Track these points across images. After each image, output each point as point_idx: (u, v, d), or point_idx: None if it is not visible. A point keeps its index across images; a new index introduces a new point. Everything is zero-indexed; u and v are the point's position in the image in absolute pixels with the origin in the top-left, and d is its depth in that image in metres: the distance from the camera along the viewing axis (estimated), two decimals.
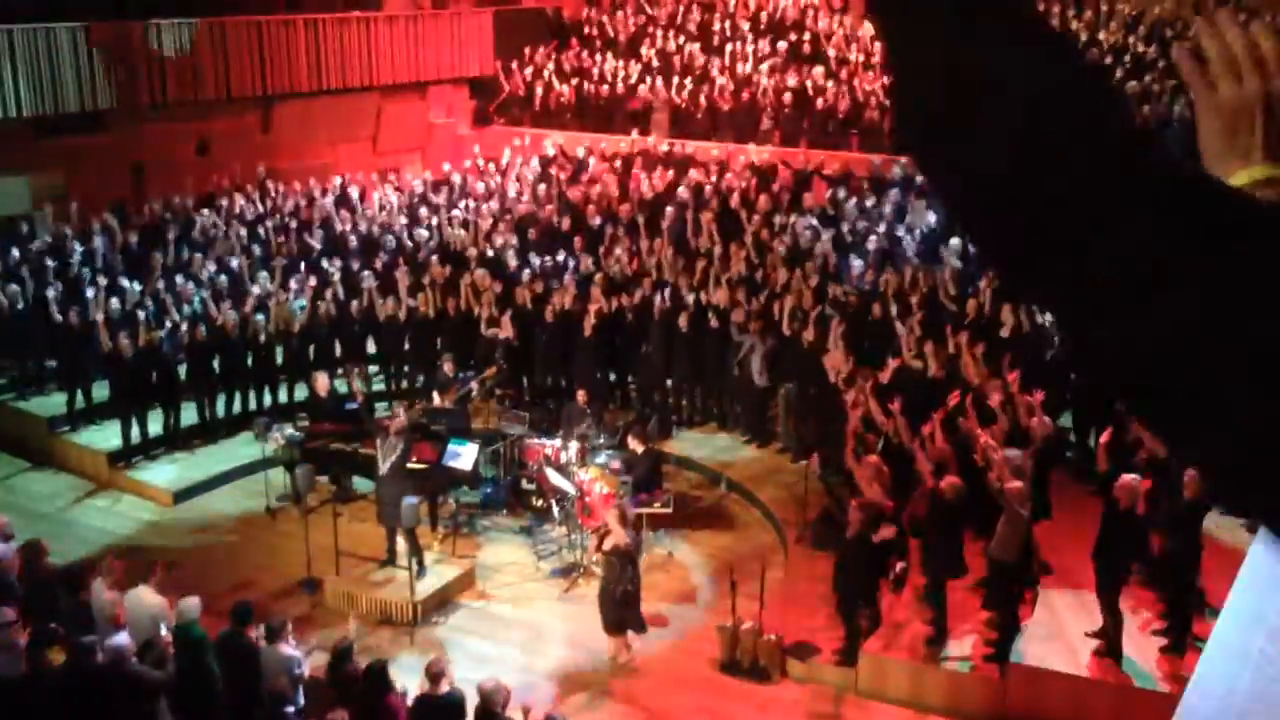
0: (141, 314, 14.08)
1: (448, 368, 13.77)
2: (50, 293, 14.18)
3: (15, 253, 15.24)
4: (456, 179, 19.33)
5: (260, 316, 14.50)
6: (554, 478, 12.11)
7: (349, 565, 11.35)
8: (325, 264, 15.97)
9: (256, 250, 16.31)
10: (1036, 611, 9.89)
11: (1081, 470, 11.99)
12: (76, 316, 13.90)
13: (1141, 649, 9.37)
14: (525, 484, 12.81)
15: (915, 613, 10.11)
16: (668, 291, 14.64)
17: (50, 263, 15.09)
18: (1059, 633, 9.68)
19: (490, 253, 16.39)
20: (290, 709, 7.88)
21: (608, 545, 10.03)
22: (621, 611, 10.04)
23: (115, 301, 14.22)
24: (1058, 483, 11.33)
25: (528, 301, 14.79)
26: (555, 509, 12.30)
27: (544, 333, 14.51)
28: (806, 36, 20.79)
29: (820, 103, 19.01)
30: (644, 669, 10.18)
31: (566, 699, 9.60)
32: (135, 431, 13.77)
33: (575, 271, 15.59)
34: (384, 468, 11.14)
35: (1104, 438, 10.36)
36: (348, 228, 17.05)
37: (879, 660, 9.77)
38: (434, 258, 16.14)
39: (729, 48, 21.02)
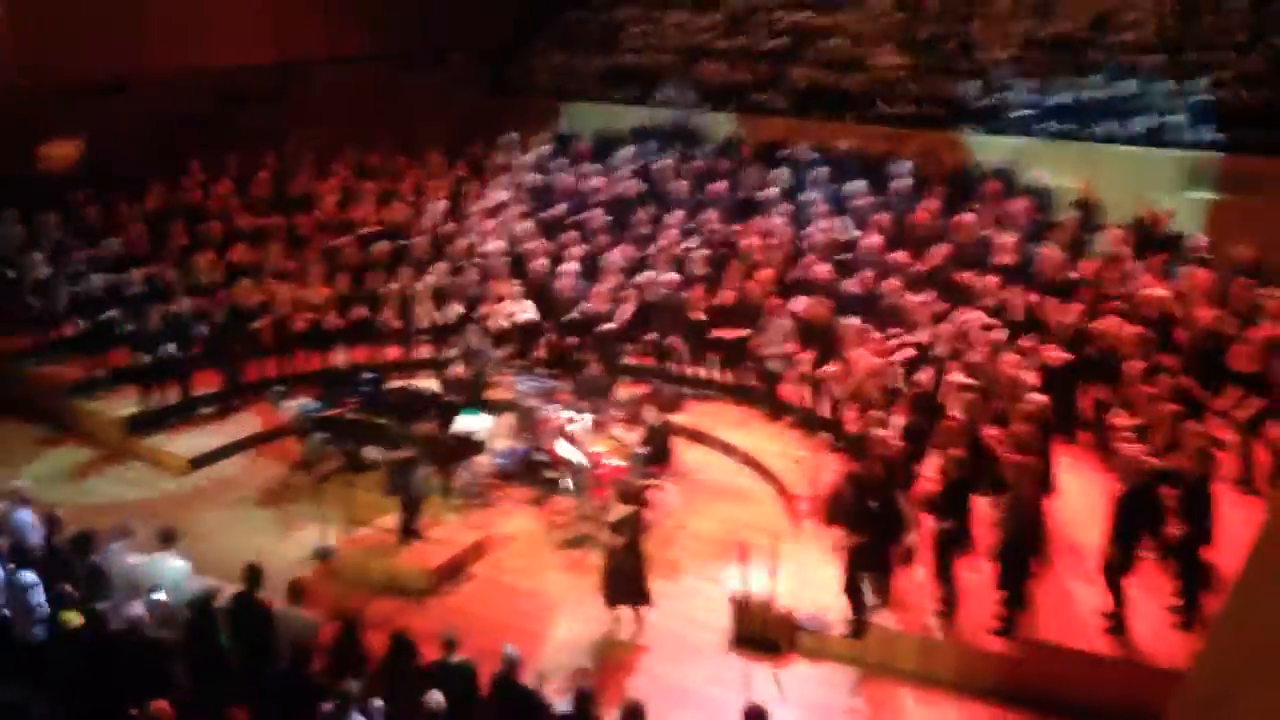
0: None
1: (473, 339, 13.79)
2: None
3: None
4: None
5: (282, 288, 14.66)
6: (564, 450, 12.16)
7: (362, 534, 11.44)
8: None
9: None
10: (1046, 587, 9.91)
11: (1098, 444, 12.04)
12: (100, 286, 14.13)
13: (1153, 625, 9.40)
14: (538, 455, 12.86)
15: (926, 587, 10.15)
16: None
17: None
18: (1069, 608, 9.71)
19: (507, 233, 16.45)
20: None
21: (612, 518, 10.09)
22: (624, 585, 10.12)
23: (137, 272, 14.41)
24: (1076, 456, 11.60)
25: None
26: (568, 481, 12.36)
27: (560, 307, 14.62)
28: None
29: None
30: (655, 641, 10.25)
31: (576, 669, 9.66)
32: (153, 399, 13.87)
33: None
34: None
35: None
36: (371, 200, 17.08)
37: (889, 634, 9.83)
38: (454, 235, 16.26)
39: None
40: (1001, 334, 12.38)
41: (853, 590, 9.93)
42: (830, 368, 12.73)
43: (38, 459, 13.61)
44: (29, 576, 8.45)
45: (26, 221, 15.55)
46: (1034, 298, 13.07)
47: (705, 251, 15.27)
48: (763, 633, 10.11)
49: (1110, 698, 8.95)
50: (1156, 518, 9.60)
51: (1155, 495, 9.40)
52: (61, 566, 8.98)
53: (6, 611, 8.47)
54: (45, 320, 14.91)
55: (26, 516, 9.57)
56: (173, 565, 8.84)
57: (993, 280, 13.45)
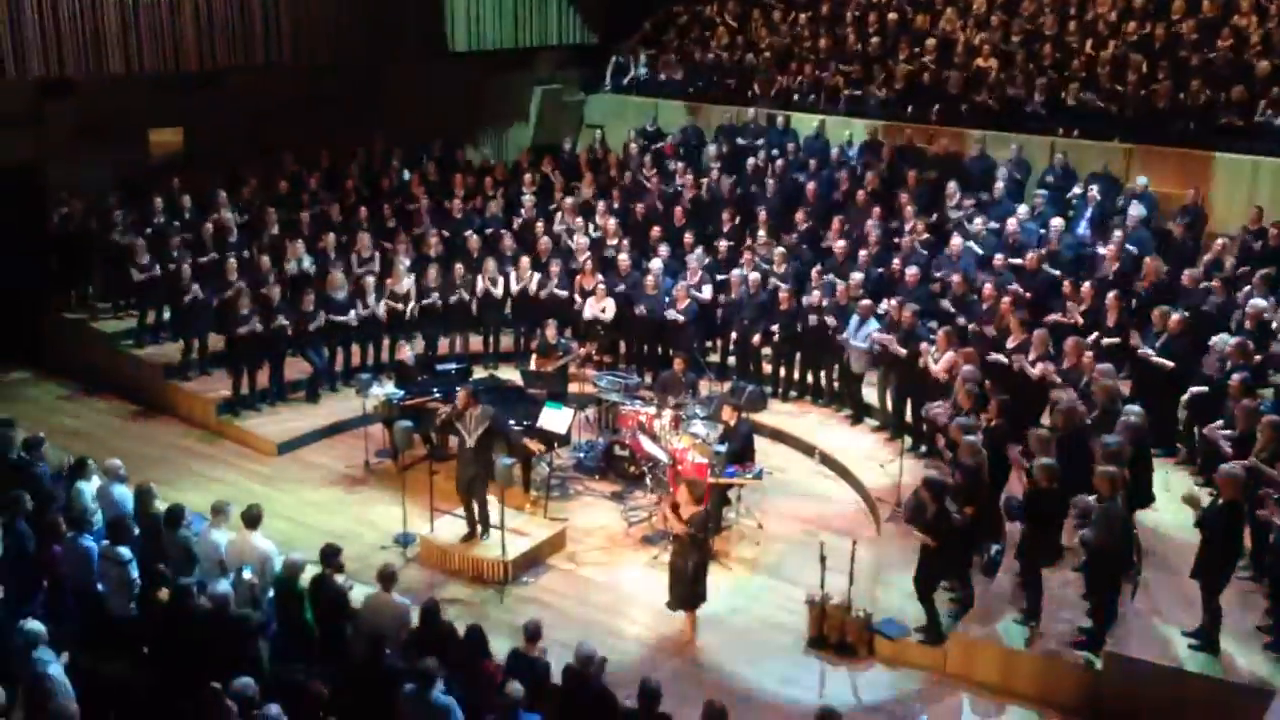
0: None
1: (549, 333, 13.90)
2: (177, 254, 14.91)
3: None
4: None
5: (369, 278, 14.90)
6: (648, 445, 12.16)
7: (443, 522, 11.56)
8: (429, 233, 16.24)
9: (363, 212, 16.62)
10: (1135, 601, 9.67)
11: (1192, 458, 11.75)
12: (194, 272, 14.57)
13: (1242, 643, 9.10)
14: (618, 450, 12.89)
15: (1010, 597, 9.96)
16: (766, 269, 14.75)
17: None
18: (1157, 623, 9.45)
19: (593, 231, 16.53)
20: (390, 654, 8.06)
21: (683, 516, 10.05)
22: (686, 588, 10.08)
23: (233, 258, 14.77)
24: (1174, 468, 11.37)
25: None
26: (647, 476, 12.36)
27: (644, 304, 14.65)
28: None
29: (926, 78, 18.56)
30: (729, 640, 10.20)
31: (650, 664, 9.67)
32: (244, 383, 14.20)
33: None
34: (470, 441, 11.24)
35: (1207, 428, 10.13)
36: (459, 195, 17.27)
37: (969, 643, 9.66)
38: (541, 230, 16.38)
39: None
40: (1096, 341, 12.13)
41: (929, 597, 9.79)
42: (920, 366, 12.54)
43: (133, 437, 13.99)
44: (125, 552, 8.70)
45: (128, 206, 15.97)
46: (1132, 306, 12.79)
47: (782, 250, 15.15)
48: (839, 636, 10.00)
49: (1196, 715, 8.70)
50: (1255, 533, 9.32)
51: (1254, 510, 9.11)
52: (153, 542, 9.22)
53: (101, 586, 8.74)
54: (144, 302, 15.33)
55: (124, 492, 9.84)
56: (259, 545, 9.01)
57: (1088, 287, 13.13)
